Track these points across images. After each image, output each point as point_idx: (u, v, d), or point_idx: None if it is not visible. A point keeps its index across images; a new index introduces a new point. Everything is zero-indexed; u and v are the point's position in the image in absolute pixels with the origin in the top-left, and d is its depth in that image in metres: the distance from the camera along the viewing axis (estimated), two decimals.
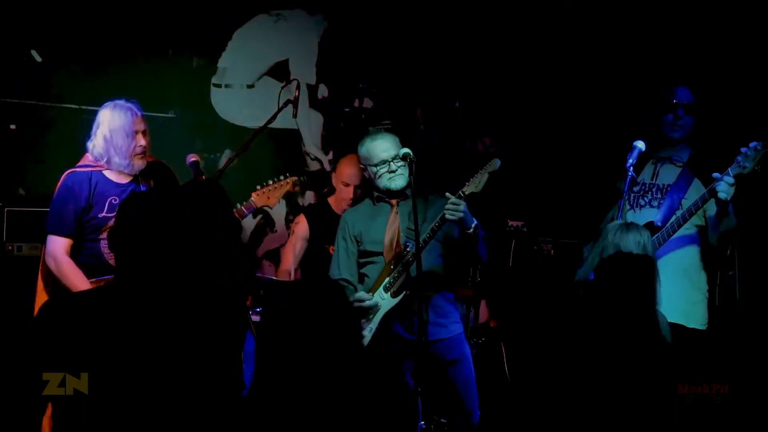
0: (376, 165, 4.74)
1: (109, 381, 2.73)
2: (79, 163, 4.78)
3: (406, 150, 4.61)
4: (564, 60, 6.62)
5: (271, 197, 4.79)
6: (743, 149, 4.34)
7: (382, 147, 4.75)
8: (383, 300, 4.70)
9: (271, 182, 4.92)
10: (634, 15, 6.19)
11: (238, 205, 4.91)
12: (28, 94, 6.49)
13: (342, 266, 4.85)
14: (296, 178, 4.75)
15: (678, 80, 4.86)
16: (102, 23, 6.53)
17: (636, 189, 4.78)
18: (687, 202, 4.61)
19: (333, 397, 2.73)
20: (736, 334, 5.02)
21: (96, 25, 6.52)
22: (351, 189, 5.67)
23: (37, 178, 6.43)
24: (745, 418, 3.15)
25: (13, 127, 6.49)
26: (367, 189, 5.09)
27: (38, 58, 6.51)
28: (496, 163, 4.54)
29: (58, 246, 4.63)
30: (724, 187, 4.33)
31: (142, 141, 4.70)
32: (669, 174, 4.70)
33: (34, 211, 5.67)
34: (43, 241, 4.71)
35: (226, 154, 6.60)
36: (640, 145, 4.57)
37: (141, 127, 4.72)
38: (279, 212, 7.10)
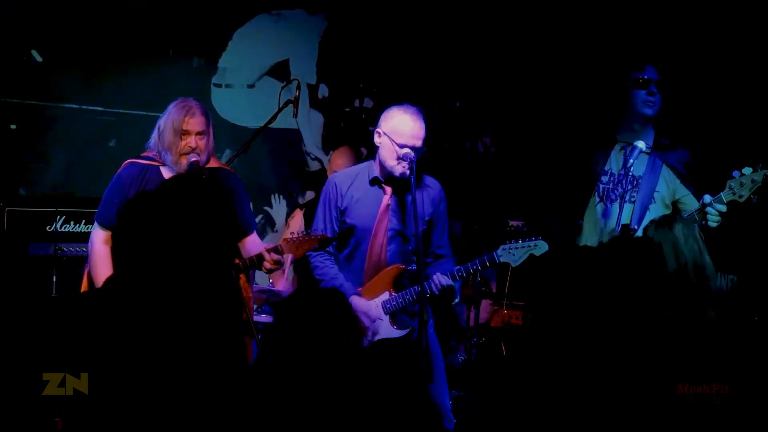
0: (399, 145, 4.50)
1: (110, 381, 2.74)
2: (143, 153, 4.72)
3: (405, 150, 4.54)
4: (564, 59, 6.62)
5: (299, 248, 4.65)
6: (735, 173, 4.27)
7: (417, 133, 4.51)
8: (381, 321, 4.59)
9: (302, 234, 4.67)
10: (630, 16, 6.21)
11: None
12: (28, 94, 6.49)
13: (323, 229, 4.66)
14: (326, 236, 4.65)
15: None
16: (102, 23, 6.53)
17: (605, 180, 4.73)
18: (659, 195, 4.60)
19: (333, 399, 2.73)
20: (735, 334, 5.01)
21: (96, 25, 6.52)
22: None
23: (37, 178, 6.43)
24: (745, 418, 3.15)
25: (13, 127, 6.50)
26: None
27: (38, 58, 6.51)
28: (543, 247, 4.47)
29: (97, 234, 4.66)
30: (716, 217, 4.28)
31: (192, 142, 4.55)
32: (637, 164, 4.58)
33: (34, 211, 5.67)
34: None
35: (227, 154, 6.60)
36: (641, 145, 4.55)
37: (195, 128, 4.56)
38: (279, 212, 7.11)
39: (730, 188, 4.27)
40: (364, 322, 4.56)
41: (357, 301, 4.56)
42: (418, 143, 4.50)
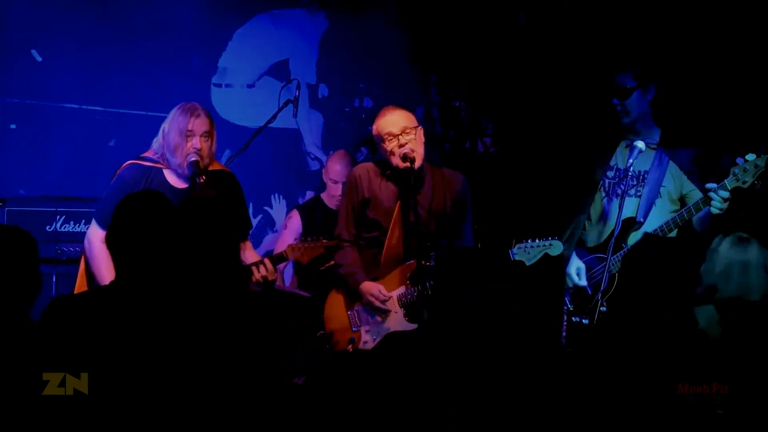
0: (384, 140, 4.63)
1: (110, 380, 2.74)
2: (144, 154, 4.73)
3: (391, 142, 4.58)
4: (564, 58, 6.61)
5: (305, 255, 4.67)
6: (739, 160, 4.28)
7: (393, 121, 4.62)
8: (396, 314, 4.61)
9: (309, 240, 4.73)
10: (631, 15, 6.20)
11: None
12: (28, 94, 6.49)
13: (343, 227, 4.74)
14: (331, 242, 4.66)
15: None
16: (102, 23, 6.53)
17: (611, 175, 4.74)
18: (665, 190, 4.60)
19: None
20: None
21: (96, 24, 6.53)
22: (339, 186, 5.61)
23: (37, 178, 6.43)
24: (745, 418, 3.15)
25: (13, 127, 6.50)
26: None
27: (38, 58, 6.51)
28: (558, 248, 4.45)
29: (96, 233, 4.66)
30: (719, 203, 4.27)
31: (196, 143, 4.57)
32: (643, 159, 4.61)
33: (34, 211, 5.67)
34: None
35: (227, 154, 6.59)
36: (640, 145, 4.56)
37: (200, 129, 4.59)
38: (279, 212, 7.10)
39: (734, 174, 4.27)
40: (374, 304, 4.59)
41: (368, 285, 4.62)
42: (400, 125, 4.60)
